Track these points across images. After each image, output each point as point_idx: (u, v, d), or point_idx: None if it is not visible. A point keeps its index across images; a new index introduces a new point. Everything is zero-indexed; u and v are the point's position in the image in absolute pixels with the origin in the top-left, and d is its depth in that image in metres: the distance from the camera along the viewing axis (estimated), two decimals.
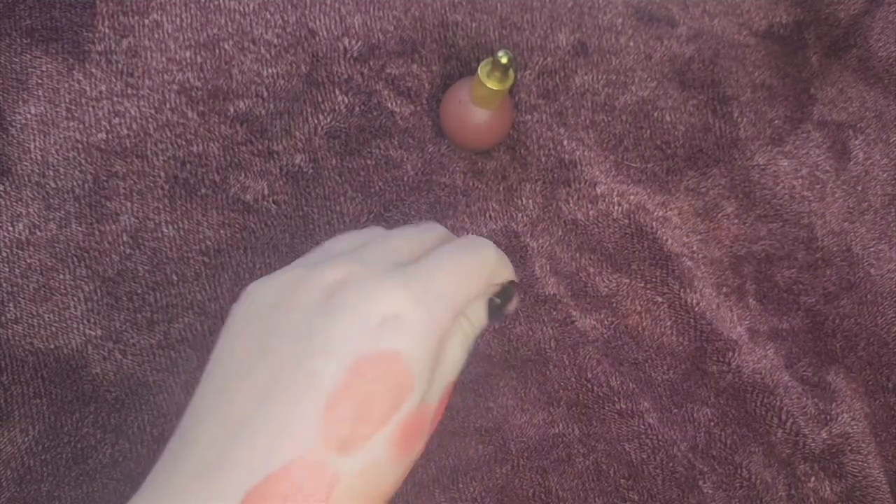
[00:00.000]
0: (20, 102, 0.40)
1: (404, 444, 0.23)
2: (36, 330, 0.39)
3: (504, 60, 0.34)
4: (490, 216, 0.41)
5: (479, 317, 0.26)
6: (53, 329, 0.39)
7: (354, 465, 0.22)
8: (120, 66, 0.40)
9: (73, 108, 0.40)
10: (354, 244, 0.27)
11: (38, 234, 0.39)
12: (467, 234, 0.41)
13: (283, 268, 0.26)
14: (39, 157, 0.40)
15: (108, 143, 0.40)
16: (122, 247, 0.39)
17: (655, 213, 0.42)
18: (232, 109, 0.40)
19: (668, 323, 0.42)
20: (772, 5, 0.44)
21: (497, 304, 0.27)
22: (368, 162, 0.41)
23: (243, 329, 0.24)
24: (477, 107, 0.38)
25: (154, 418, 0.39)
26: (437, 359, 0.24)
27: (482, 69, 0.35)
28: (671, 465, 0.41)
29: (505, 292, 0.28)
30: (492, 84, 0.35)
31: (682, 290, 0.42)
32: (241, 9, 0.41)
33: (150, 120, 0.40)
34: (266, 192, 0.40)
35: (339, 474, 0.21)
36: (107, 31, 0.40)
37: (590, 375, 0.41)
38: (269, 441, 0.21)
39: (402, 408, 0.22)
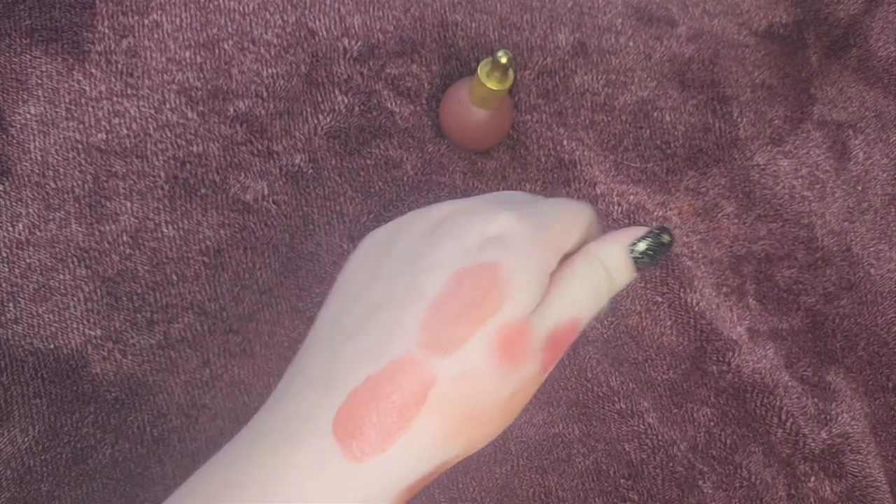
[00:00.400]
0: (20, 102, 0.40)
1: (503, 354, 0.23)
2: (36, 330, 0.39)
3: (504, 60, 0.33)
4: None
5: (616, 264, 0.26)
6: (53, 329, 0.39)
7: (452, 368, 0.22)
8: (120, 66, 0.40)
9: (73, 108, 0.40)
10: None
11: (38, 234, 0.39)
12: None
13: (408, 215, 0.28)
14: (39, 158, 0.40)
15: (107, 144, 0.40)
16: (121, 247, 0.39)
17: (655, 213, 0.42)
18: (232, 109, 0.40)
19: (668, 323, 0.42)
20: (771, 5, 0.44)
21: (647, 252, 0.26)
22: (368, 162, 0.41)
23: (359, 262, 0.26)
24: (477, 107, 0.38)
25: (154, 418, 0.39)
26: (545, 284, 0.24)
27: (482, 69, 0.35)
28: (671, 464, 0.41)
29: (656, 243, 0.26)
30: (491, 84, 0.35)
31: (681, 289, 0.42)
32: (241, 9, 0.41)
33: (150, 120, 0.40)
34: (266, 192, 0.40)
35: (436, 375, 0.22)
36: (106, 31, 0.40)
37: (590, 375, 0.41)
38: (372, 347, 0.23)
39: (499, 313, 0.23)
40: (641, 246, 0.26)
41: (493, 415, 0.23)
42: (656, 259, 0.26)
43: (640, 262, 0.26)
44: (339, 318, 0.24)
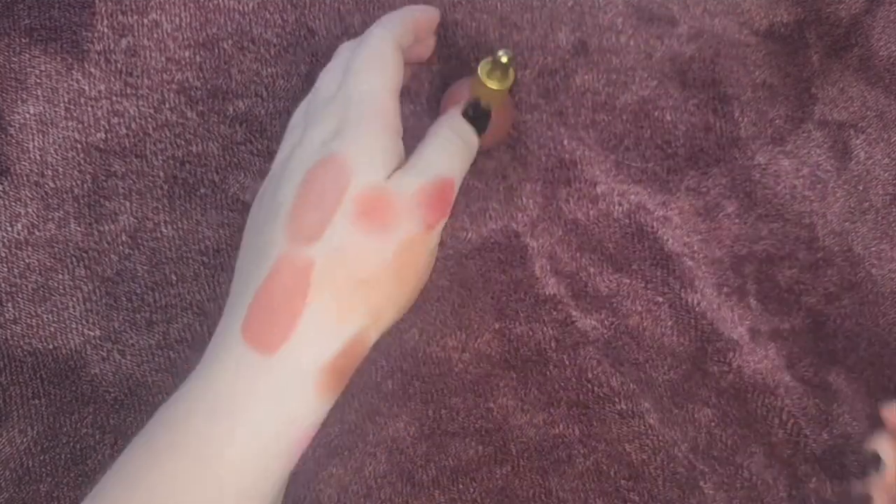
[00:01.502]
0: (19, 102, 0.40)
1: (369, 221, 0.25)
2: (35, 330, 0.39)
3: (504, 60, 0.33)
4: (490, 216, 0.41)
5: (457, 125, 0.30)
6: (52, 329, 0.39)
7: (324, 249, 0.25)
8: (119, 65, 0.40)
9: (72, 107, 0.40)
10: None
11: (37, 234, 0.39)
12: (466, 233, 0.41)
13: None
14: (38, 157, 0.40)
15: (106, 143, 0.40)
16: (120, 247, 0.39)
17: (656, 213, 0.42)
18: (231, 109, 0.40)
19: (669, 323, 0.42)
20: (773, 4, 0.44)
21: (470, 113, 0.32)
22: None
23: (255, 201, 0.29)
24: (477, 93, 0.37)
25: None
26: (392, 146, 0.27)
27: (482, 69, 0.35)
28: (672, 465, 0.41)
29: (476, 108, 0.32)
30: (492, 84, 0.35)
31: (682, 290, 0.42)
32: (241, 8, 0.41)
33: (150, 119, 0.40)
34: None
35: (312, 259, 0.25)
36: (106, 30, 0.40)
37: (590, 376, 0.41)
38: (255, 261, 0.26)
39: (349, 189, 0.25)
40: (465, 107, 0.31)
41: (382, 278, 0.26)
42: (482, 119, 0.32)
43: (475, 123, 0.31)
44: (242, 250, 0.28)
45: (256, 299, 0.25)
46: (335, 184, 0.25)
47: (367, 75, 0.28)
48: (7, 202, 0.39)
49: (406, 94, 0.41)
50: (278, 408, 0.25)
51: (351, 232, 0.25)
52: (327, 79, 0.30)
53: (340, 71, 0.29)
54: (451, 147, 0.29)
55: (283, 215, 0.26)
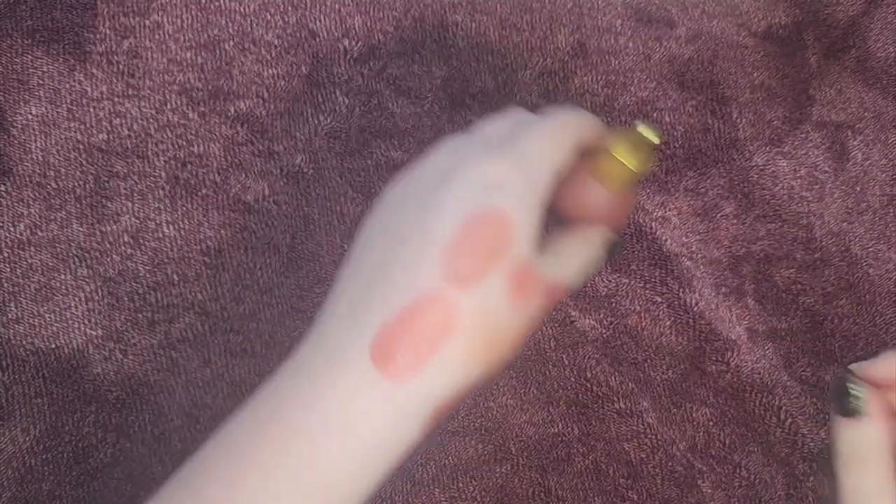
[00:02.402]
0: (21, 103, 0.40)
1: (517, 290, 0.26)
2: (37, 330, 0.39)
3: (652, 138, 0.29)
4: None
5: (597, 254, 0.31)
6: (54, 329, 0.39)
7: (473, 300, 0.25)
8: (121, 66, 0.40)
9: (75, 108, 0.40)
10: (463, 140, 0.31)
11: (40, 234, 0.39)
12: None
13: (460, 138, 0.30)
14: (41, 158, 0.40)
15: (109, 144, 0.40)
16: (123, 247, 0.40)
17: (654, 214, 0.42)
18: (233, 110, 0.41)
19: (668, 323, 0.42)
20: (770, 6, 0.45)
21: (608, 252, 0.31)
22: (369, 163, 0.41)
23: (380, 213, 0.29)
24: (599, 182, 0.30)
25: (155, 418, 0.39)
26: (539, 222, 0.27)
27: (619, 142, 0.30)
28: (670, 464, 0.41)
29: (618, 248, 0.32)
30: (631, 163, 0.30)
31: (681, 290, 0.42)
32: (242, 10, 0.41)
33: (151, 120, 0.40)
34: (267, 192, 0.40)
35: (460, 306, 0.25)
36: (108, 31, 0.41)
37: (589, 375, 0.41)
38: (398, 282, 0.26)
39: (509, 253, 0.26)
40: (609, 247, 0.31)
41: (507, 342, 0.26)
42: (618, 250, 0.32)
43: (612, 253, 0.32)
44: (365, 261, 0.27)
45: (396, 325, 0.25)
46: (497, 241, 0.26)
47: (547, 143, 0.28)
48: (10, 202, 0.39)
49: (407, 95, 0.42)
50: (389, 433, 0.25)
51: (500, 293, 0.26)
52: (496, 126, 0.30)
53: (513, 126, 0.29)
54: (587, 266, 0.30)
55: (438, 250, 0.26)
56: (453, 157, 0.28)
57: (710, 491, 0.41)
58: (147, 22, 0.41)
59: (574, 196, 0.31)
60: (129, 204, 0.40)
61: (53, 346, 0.39)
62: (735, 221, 0.43)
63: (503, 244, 0.26)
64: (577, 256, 0.30)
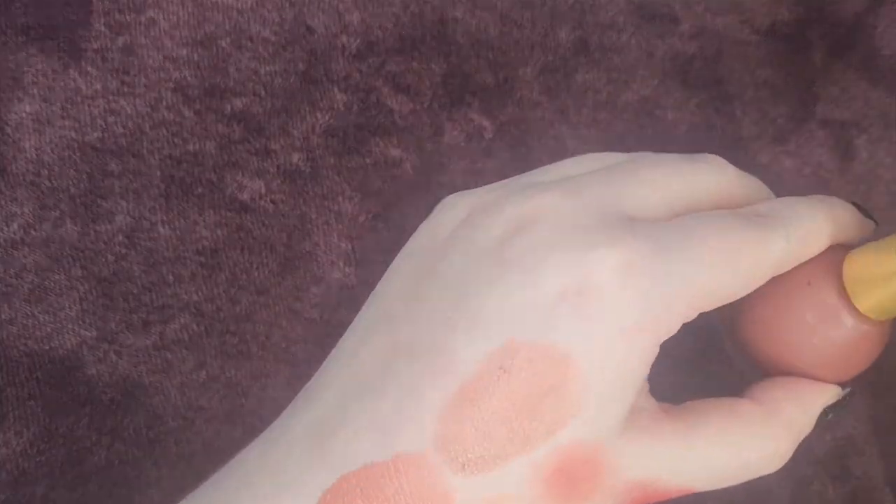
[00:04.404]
0: (15, 101, 0.40)
1: (555, 490, 0.16)
2: (30, 331, 0.39)
3: None
4: None
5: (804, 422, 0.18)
6: (48, 330, 0.39)
7: (476, 492, 0.16)
8: (115, 64, 0.40)
9: (69, 106, 0.40)
10: (594, 166, 0.19)
11: (33, 233, 0.39)
12: None
13: (496, 183, 0.20)
14: (34, 156, 0.40)
15: (103, 142, 0.40)
16: (117, 247, 0.39)
17: None
18: (228, 107, 0.40)
19: None
20: (774, 3, 0.44)
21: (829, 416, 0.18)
22: (367, 161, 0.41)
23: (409, 258, 0.19)
24: (855, 311, 0.19)
25: (150, 420, 0.39)
26: (640, 384, 0.16)
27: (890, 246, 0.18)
28: None
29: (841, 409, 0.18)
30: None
31: None
32: (238, 6, 0.41)
33: (146, 118, 0.40)
34: (263, 191, 0.40)
35: (454, 495, 0.16)
36: (102, 28, 0.40)
37: None
38: (381, 418, 0.16)
39: (559, 435, 0.15)
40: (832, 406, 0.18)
41: None
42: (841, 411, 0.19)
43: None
44: (360, 354, 0.18)
45: (356, 480, 0.16)
46: (546, 409, 0.15)
47: (730, 263, 0.16)
48: (3, 202, 0.39)
49: (406, 92, 0.41)
50: None
51: (523, 491, 0.16)
52: (670, 164, 0.19)
53: (693, 183, 0.18)
54: (767, 456, 0.19)
55: (449, 380, 0.16)
56: (538, 204, 0.17)
57: (711, 494, 0.40)
58: (142, 18, 0.41)
59: (790, 326, 0.19)
60: (124, 203, 0.40)
61: (47, 347, 0.39)
62: None
63: (555, 413, 0.15)
64: (750, 437, 0.18)
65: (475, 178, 0.41)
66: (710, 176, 0.19)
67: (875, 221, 0.21)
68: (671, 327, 0.16)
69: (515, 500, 0.16)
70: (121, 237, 0.39)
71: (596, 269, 0.15)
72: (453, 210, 0.19)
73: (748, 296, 0.18)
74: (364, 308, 0.20)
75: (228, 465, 0.19)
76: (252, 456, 0.19)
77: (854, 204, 0.21)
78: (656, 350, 0.16)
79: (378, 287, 0.20)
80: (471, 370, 0.16)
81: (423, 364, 0.16)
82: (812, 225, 0.18)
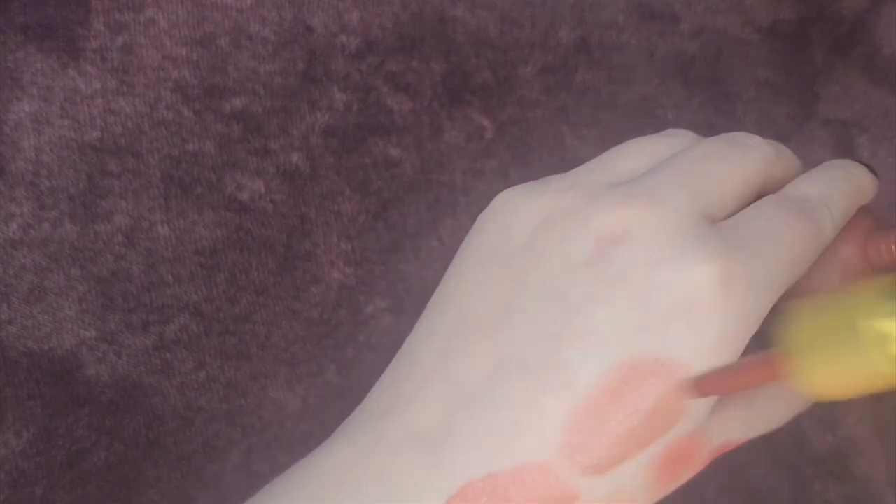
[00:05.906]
0: (13, 100, 0.40)
1: (664, 475, 0.18)
2: (30, 331, 0.39)
3: None
4: None
5: None
6: (47, 330, 0.39)
7: (599, 489, 0.17)
8: (114, 63, 0.40)
9: (68, 105, 0.40)
10: (657, 156, 0.20)
11: (32, 233, 0.39)
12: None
13: (550, 178, 0.20)
14: (33, 156, 0.39)
15: (102, 142, 0.40)
16: (116, 247, 0.39)
17: None
18: (228, 107, 0.40)
19: None
20: (775, 2, 0.44)
21: None
22: (366, 160, 0.41)
23: (484, 261, 0.19)
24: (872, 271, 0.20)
25: (149, 421, 0.38)
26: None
27: None
28: None
29: None
30: None
31: None
32: (238, 5, 0.41)
33: (145, 118, 0.40)
34: (262, 190, 0.40)
35: (579, 494, 0.17)
36: (101, 28, 0.40)
37: None
38: (501, 428, 0.17)
39: (672, 431, 0.18)
40: None
41: None
42: None
43: None
44: (459, 356, 0.18)
45: (483, 488, 0.17)
46: (656, 420, 0.17)
47: (797, 259, 0.18)
48: (1, 202, 0.39)
49: (406, 91, 0.41)
50: None
51: (639, 482, 0.18)
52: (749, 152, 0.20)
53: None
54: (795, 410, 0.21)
55: (568, 396, 0.17)
56: (630, 214, 0.18)
57: (714, 495, 0.40)
58: (141, 18, 0.40)
59: (816, 288, 0.20)
60: (123, 203, 0.39)
61: (46, 347, 0.39)
62: None
63: (665, 418, 0.17)
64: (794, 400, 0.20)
65: (475, 178, 0.41)
66: (758, 156, 0.21)
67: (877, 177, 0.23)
68: (758, 324, 0.18)
69: (631, 489, 0.18)
70: (120, 237, 0.39)
71: (700, 285, 0.17)
72: (521, 210, 0.20)
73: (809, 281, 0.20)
74: (436, 307, 0.20)
75: (290, 474, 0.19)
76: (331, 463, 0.19)
77: (863, 164, 0.24)
78: (745, 344, 0.18)
79: (450, 285, 0.20)
80: (593, 384, 0.17)
81: (538, 379, 0.17)
82: (845, 202, 0.21)
